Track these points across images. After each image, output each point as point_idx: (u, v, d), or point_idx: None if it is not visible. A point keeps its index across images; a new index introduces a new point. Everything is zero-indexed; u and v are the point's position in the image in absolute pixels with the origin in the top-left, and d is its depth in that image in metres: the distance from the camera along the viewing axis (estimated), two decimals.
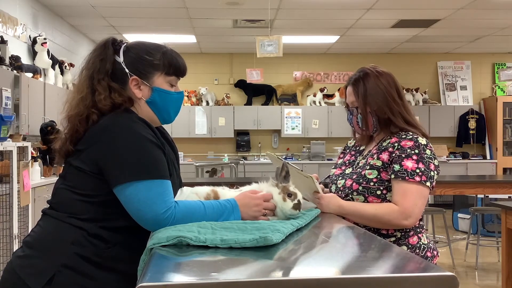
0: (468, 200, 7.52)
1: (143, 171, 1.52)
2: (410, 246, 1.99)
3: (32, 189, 4.52)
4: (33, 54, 6.49)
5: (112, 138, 1.56)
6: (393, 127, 2.06)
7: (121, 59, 1.67)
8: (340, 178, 2.11)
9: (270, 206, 1.61)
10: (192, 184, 1.90)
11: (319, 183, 2.06)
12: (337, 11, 7.41)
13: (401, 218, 1.91)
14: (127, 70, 1.66)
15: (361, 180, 2.00)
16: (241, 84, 10.35)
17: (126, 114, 1.62)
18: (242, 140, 10.43)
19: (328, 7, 7.22)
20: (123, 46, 1.70)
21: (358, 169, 2.06)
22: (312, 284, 1.00)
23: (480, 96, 10.73)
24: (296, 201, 1.62)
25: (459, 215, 7.68)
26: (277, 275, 1.10)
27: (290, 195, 1.62)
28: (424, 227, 2.10)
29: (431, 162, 1.95)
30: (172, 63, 1.70)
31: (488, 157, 10.41)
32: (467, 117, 10.32)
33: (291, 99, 10.55)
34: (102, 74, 1.65)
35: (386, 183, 1.98)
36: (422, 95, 10.42)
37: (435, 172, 1.96)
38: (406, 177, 1.91)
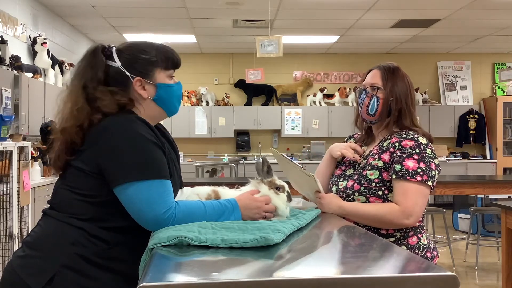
0: (468, 200, 7.52)
1: (144, 171, 1.52)
2: (409, 246, 1.99)
3: (32, 189, 4.52)
4: (33, 54, 6.48)
5: (112, 139, 1.56)
6: (395, 126, 2.07)
7: (118, 63, 1.66)
8: (342, 179, 2.11)
9: (270, 209, 1.62)
10: (192, 184, 1.90)
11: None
12: (337, 11, 7.41)
13: (402, 218, 1.92)
14: (127, 73, 1.65)
15: (362, 181, 2.01)
16: (241, 84, 10.34)
17: (126, 114, 1.62)
18: (242, 140, 10.42)
19: (328, 7, 7.22)
20: (113, 50, 1.69)
21: (359, 170, 2.07)
22: (313, 284, 1.00)
23: (480, 96, 10.73)
24: (286, 193, 1.66)
25: (459, 215, 7.68)
26: (278, 275, 1.10)
27: (278, 188, 1.66)
28: (424, 228, 2.10)
29: (432, 162, 1.96)
30: (168, 57, 1.71)
31: (488, 157, 10.41)
32: (467, 117, 10.32)
33: (291, 99, 10.55)
34: (95, 82, 1.63)
35: (388, 183, 1.98)
36: (422, 95, 10.42)
37: (436, 171, 1.96)
38: (408, 177, 1.92)
